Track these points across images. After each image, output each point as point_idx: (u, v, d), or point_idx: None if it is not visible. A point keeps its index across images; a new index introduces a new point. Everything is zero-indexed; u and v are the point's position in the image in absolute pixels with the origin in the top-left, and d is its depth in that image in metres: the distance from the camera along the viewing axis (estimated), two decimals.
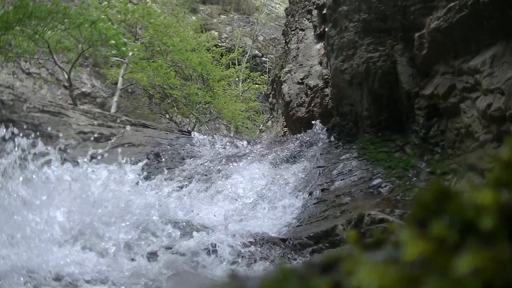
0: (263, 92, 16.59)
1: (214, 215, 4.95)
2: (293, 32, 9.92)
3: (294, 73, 9.18)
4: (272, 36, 21.92)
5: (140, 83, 15.10)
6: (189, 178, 6.07)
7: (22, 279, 3.03)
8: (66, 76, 12.24)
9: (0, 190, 3.85)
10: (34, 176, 4.09)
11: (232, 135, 13.71)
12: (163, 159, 6.74)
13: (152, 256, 3.77)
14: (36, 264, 3.23)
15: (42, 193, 4.03)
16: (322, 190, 5.33)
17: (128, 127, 7.41)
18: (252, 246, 3.99)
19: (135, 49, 13.01)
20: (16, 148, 4.14)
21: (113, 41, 11.49)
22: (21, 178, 4.00)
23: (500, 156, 0.43)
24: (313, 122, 7.36)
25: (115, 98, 14.12)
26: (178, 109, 16.98)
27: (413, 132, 5.40)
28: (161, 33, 14.61)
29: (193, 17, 21.11)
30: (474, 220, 0.39)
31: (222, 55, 18.88)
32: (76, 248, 3.69)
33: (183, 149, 7.12)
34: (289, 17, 10.51)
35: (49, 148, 4.36)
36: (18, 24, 10.01)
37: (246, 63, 20.19)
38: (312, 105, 8.63)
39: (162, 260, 3.70)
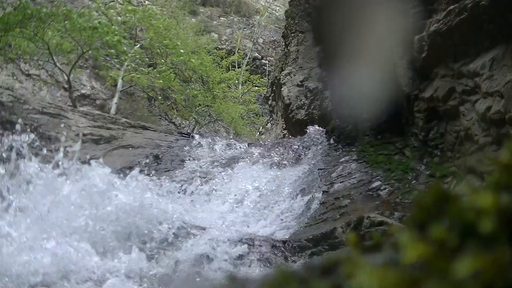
0: (263, 95, 16.60)
1: (213, 217, 4.95)
2: (293, 34, 9.92)
3: (294, 75, 9.18)
4: (272, 38, 21.94)
5: (140, 86, 15.09)
6: (188, 180, 6.06)
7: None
8: (66, 78, 12.24)
9: None
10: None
11: (231, 137, 13.71)
12: (162, 161, 6.74)
13: (150, 258, 3.77)
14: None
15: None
16: (322, 192, 5.33)
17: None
18: (251, 248, 3.99)
19: (137, 56, 13.04)
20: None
21: (112, 51, 11.49)
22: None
23: (500, 159, 0.43)
24: (308, 127, 7.19)
25: (115, 100, 14.11)
26: (177, 111, 16.98)
27: (413, 135, 5.40)
28: (161, 35, 14.61)
29: (193, 19, 21.12)
30: (473, 223, 0.39)
31: (222, 58, 18.90)
32: (74, 248, 3.68)
33: (182, 151, 7.12)
34: (289, 19, 10.51)
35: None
36: (18, 26, 10.00)
37: (246, 65, 20.19)
38: (312, 107, 8.63)
39: (161, 262, 3.69)
